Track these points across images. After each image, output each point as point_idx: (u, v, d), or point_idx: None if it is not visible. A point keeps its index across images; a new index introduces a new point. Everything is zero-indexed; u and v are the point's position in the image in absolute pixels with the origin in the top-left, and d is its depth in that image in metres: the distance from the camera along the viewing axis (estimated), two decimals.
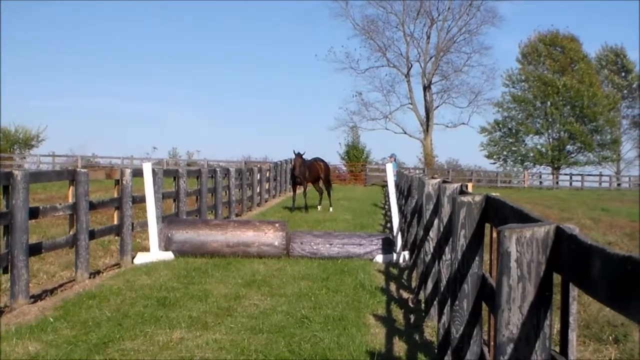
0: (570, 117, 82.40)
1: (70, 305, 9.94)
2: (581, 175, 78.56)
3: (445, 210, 7.04)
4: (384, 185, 31.49)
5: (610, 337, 9.19)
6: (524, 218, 3.88)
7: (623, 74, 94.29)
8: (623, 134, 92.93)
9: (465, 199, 5.36)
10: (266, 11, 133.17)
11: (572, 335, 3.37)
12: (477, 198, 5.34)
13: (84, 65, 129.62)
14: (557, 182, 77.55)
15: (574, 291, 3.35)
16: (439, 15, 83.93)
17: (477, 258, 5.32)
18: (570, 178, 78.97)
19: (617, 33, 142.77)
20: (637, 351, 8.66)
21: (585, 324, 9.67)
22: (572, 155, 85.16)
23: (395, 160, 35.52)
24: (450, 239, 6.23)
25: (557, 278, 3.31)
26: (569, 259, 3.00)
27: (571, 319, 3.35)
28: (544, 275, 3.23)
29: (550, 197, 48.63)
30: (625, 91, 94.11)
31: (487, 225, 5.52)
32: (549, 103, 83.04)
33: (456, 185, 7.39)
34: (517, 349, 3.24)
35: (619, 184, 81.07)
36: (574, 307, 3.36)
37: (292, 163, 30.03)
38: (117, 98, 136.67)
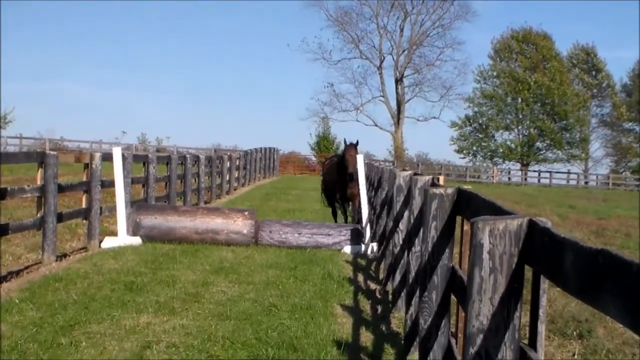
0: (541, 114, 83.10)
1: (36, 288, 9.86)
2: (549, 172, 79.14)
3: (416, 202, 7.06)
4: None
5: (575, 333, 9.28)
6: (497, 211, 3.90)
7: (593, 73, 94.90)
8: (592, 132, 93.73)
9: (438, 191, 5.38)
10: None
11: (541, 328, 3.40)
12: (449, 190, 5.37)
13: (52, 50, 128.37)
14: (526, 179, 78.04)
15: (544, 284, 3.38)
16: (413, 8, 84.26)
17: (447, 250, 5.35)
18: (539, 175, 79.50)
19: (588, 32, 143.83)
20: (600, 347, 8.75)
21: (551, 319, 9.75)
22: (541, 152, 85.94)
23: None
24: (421, 231, 6.25)
25: (527, 271, 3.33)
26: (541, 251, 3.02)
27: (541, 312, 3.38)
28: (516, 268, 3.25)
29: (519, 193, 48.93)
30: (595, 90, 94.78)
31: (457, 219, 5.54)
32: (519, 99, 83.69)
33: (428, 178, 7.42)
34: (486, 340, 3.26)
35: (586, 182, 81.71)
36: (544, 300, 3.39)
37: (341, 157, 19.01)
38: (86, 83, 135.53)
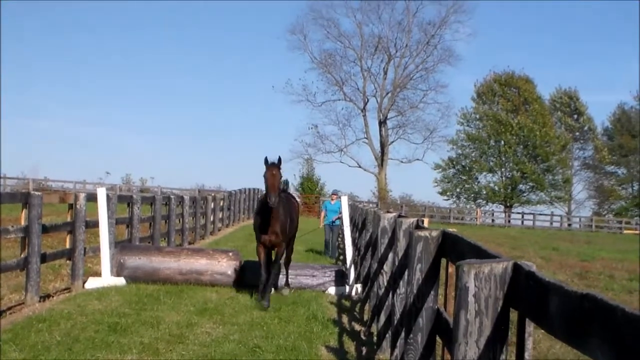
0: (523, 156, 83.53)
1: (19, 329, 9.80)
2: (533, 214, 79.22)
3: (401, 244, 7.09)
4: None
5: None
6: (481, 254, 3.93)
7: (575, 116, 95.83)
8: (574, 175, 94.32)
9: (423, 233, 5.41)
10: (224, 40, 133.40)
11: None
12: (434, 233, 5.40)
13: (35, 86, 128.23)
14: (509, 221, 78.09)
15: (529, 327, 3.41)
16: (396, 51, 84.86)
17: (432, 292, 5.37)
18: (522, 217, 79.58)
19: (570, 76, 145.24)
20: None
21: None
22: (524, 194, 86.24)
23: (339, 197, 25.71)
24: (406, 273, 6.27)
25: (512, 313, 3.36)
26: (527, 295, 3.06)
27: (527, 354, 3.41)
28: (501, 311, 3.28)
29: (502, 235, 48.99)
30: (577, 133, 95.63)
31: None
32: (502, 142, 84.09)
33: (412, 220, 7.45)
34: None
35: (569, 224, 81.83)
36: (529, 343, 3.42)
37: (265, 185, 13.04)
38: (69, 121, 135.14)
